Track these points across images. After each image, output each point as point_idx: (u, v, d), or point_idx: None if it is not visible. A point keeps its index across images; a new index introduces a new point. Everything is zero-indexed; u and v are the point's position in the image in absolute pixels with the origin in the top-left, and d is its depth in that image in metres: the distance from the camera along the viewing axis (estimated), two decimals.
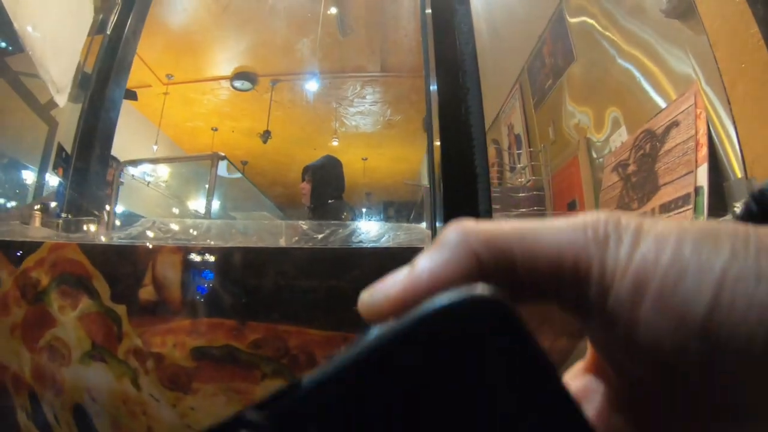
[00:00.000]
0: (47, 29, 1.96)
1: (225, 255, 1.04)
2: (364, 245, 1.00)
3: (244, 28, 5.66)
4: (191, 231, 1.18)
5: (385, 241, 1.00)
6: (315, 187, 3.41)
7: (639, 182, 1.95)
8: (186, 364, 1.01)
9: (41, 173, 3.17)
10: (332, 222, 1.01)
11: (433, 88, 0.98)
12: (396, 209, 6.83)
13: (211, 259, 1.05)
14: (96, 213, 2.33)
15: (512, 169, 3.69)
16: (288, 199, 10.19)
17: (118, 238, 1.23)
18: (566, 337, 0.92)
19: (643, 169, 1.95)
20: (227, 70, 6.63)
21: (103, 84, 2.56)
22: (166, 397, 1.02)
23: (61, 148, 2.60)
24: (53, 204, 2.34)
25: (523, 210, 2.66)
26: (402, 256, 0.96)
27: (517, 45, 3.61)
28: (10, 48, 2.22)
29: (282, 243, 1.05)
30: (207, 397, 0.99)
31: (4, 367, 1.21)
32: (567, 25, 3.02)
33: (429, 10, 0.99)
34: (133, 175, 2.94)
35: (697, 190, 1.60)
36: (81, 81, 2.49)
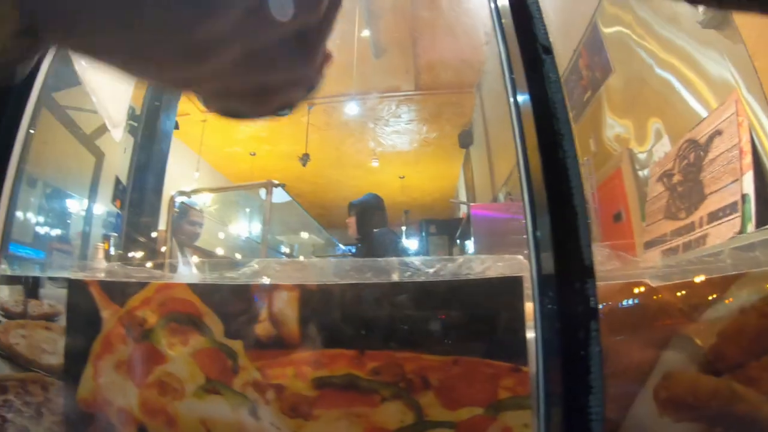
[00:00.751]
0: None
1: (342, 291, 1.08)
2: (471, 277, 1.05)
3: None
4: (305, 269, 1.23)
5: (490, 273, 1.05)
6: (359, 221, 3.82)
7: (685, 192, 1.93)
8: (307, 393, 1.04)
9: (90, 203, 3.27)
10: (442, 258, 1.07)
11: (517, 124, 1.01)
12: (437, 226, 6.83)
13: (329, 295, 1.09)
14: (146, 240, 2.41)
15: None
16: (326, 221, 10.27)
17: (231, 278, 1.27)
18: (653, 348, 0.94)
19: (689, 178, 1.93)
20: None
21: (154, 116, 2.65)
22: (287, 424, 1.07)
23: (118, 181, 2.69)
24: (113, 235, 2.43)
25: None
26: (503, 285, 1.01)
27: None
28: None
29: (396, 278, 1.09)
30: (329, 422, 1.03)
31: (108, 402, 1.25)
32: (602, 37, 3.02)
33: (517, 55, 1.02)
34: (180, 203, 3.01)
35: (744, 198, 1.59)
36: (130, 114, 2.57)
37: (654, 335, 0.96)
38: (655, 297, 1.00)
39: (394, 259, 1.12)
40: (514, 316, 0.99)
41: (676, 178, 2.10)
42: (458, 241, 5.49)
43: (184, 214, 3.52)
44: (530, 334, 0.96)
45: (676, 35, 2.28)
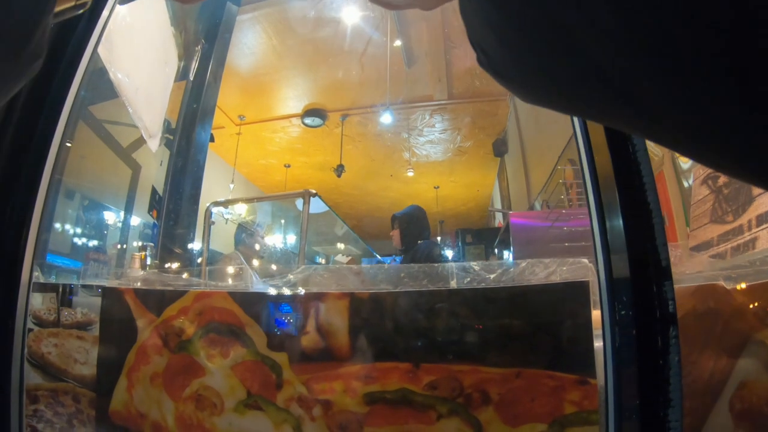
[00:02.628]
0: (140, 78, 2.04)
1: (396, 299, 1.03)
2: (534, 283, 1.00)
3: (311, 66, 5.79)
4: (355, 276, 1.17)
5: (554, 278, 0.99)
6: (403, 233, 3.84)
7: (731, 194, 1.86)
8: (357, 409, 1.00)
9: (127, 214, 3.31)
10: (503, 262, 1.02)
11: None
12: (473, 236, 6.77)
13: (381, 303, 1.04)
14: (181, 251, 2.42)
15: None
16: (361, 231, 10.28)
17: (275, 286, 1.22)
18: (727, 356, 0.88)
19: (735, 180, 1.86)
20: (297, 107, 6.79)
21: (190, 128, 2.67)
22: None
23: (155, 191, 2.70)
24: (149, 245, 2.43)
25: None
26: (568, 291, 0.96)
27: None
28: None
29: (453, 285, 1.04)
30: None
31: (142, 415, 1.22)
32: None
33: None
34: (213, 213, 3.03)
35: None
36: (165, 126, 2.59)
37: (728, 342, 0.90)
38: (728, 300, 0.94)
39: (451, 264, 1.06)
40: (580, 323, 0.93)
41: (722, 180, 2.02)
42: (496, 250, 5.42)
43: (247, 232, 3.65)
44: (596, 344, 0.92)
45: None
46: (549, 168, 4.52)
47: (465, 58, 5.68)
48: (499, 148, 7.14)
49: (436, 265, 1.03)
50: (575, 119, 0.96)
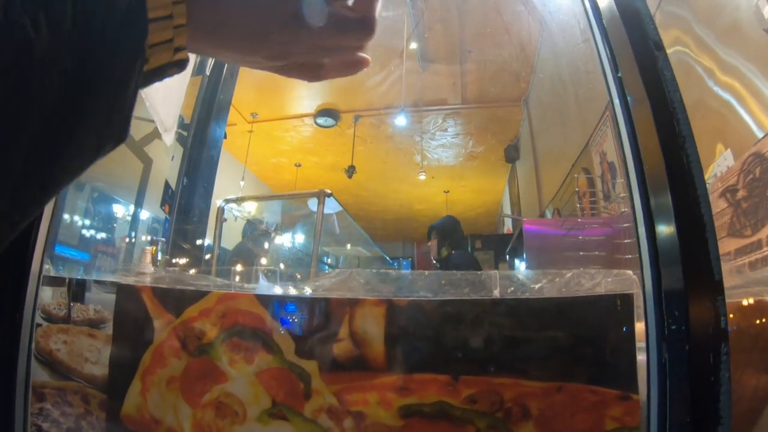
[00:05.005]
0: None
1: (436, 307, 0.99)
2: (578, 294, 0.96)
3: None
4: (393, 282, 1.13)
5: (598, 289, 0.96)
6: (439, 243, 3.97)
7: (751, 208, 1.83)
8: (392, 422, 0.95)
9: (137, 208, 3.30)
10: (549, 271, 0.98)
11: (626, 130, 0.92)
12: (482, 242, 6.73)
13: (420, 311, 1.00)
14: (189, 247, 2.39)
15: (606, 198, 3.57)
16: (370, 233, 10.27)
17: (306, 290, 1.18)
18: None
19: (755, 194, 1.83)
20: (310, 107, 6.78)
21: (205, 123, 2.64)
22: None
23: (167, 186, 2.68)
24: (161, 240, 2.41)
25: (627, 240, 2.55)
26: (614, 303, 0.92)
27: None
28: None
29: (496, 294, 1.00)
30: None
31: (156, 420, 1.17)
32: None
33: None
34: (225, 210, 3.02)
35: None
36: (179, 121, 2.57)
37: None
38: None
39: (495, 273, 1.02)
40: (624, 337, 0.89)
41: (741, 194, 1.98)
42: (507, 257, 5.38)
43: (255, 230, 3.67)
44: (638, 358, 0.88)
45: (739, 42, 2.18)
46: (561, 176, 4.48)
47: (480, 62, 5.66)
48: (511, 154, 7.11)
49: (478, 273, 0.99)
50: (621, 123, 0.93)
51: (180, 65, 0.46)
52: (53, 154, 0.36)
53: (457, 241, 4.04)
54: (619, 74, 0.96)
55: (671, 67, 0.89)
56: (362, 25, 0.58)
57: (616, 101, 0.95)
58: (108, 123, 0.40)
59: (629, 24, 0.96)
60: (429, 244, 4.04)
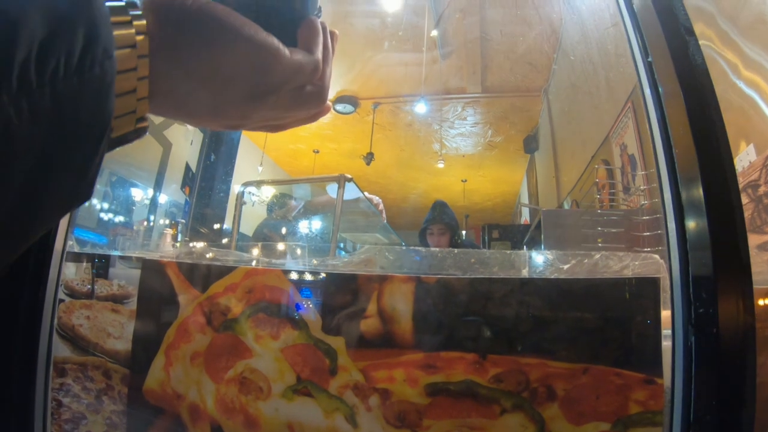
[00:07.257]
0: None
1: (464, 286, 0.99)
2: (607, 276, 0.96)
3: (345, 52, 5.76)
4: (423, 260, 1.13)
5: (626, 272, 0.96)
6: (451, 237, 4.13)
7: None
8: (418, 400, 0.97)
9: (156, 191, 3.33)
10: (578, 252, 0.98)
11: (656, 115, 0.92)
12: (499, 231, 6.70)
13: (449, 289, 1.00)
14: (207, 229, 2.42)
15: (626, 190, 3.55)
16: (388, 221, 10.26)
17: (333, 266, 1.18)
18: None
19: None
20: (330, 94, 6.75)
21: None
22: None
23: (188, 168, 2.71)
24: (180, 222, 2.43)
25: (647, 234, 2.54)
26: (641, 286, 0.92)
27: (629, 62, 3.46)
28: None
29: (525, 273, 1.01)
30: None
31: (179, 395, 1.18)
32: None
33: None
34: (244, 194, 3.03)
35: None
36: None
37: None
38: None
39: (524, 252, 1.03)
40: (651, 321, 0.89)
41: (762, 189, 1.96)
42: (525, 247, 5.37)
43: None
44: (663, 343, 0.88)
45: (762, 43, 2.15)
46: (580, 167, 4.45)
47: (501, 51, 5.62)
48: (530, 145, 7.06)
49: (508, 252, 1.00)
50: (651, 109, 0.93)
51: (140, 133, 0.49)
52: (23, 223, 0.38)
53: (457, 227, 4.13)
54: (650, 59, 0.96)
55: (702, 52, 0.89)
56: (316, 98, 0.62)
57: (645, 84, 0.95)
58: (74, 191, 0.42)
59: (660, 9, 0.96)
60: (438, 240, 4.12)
